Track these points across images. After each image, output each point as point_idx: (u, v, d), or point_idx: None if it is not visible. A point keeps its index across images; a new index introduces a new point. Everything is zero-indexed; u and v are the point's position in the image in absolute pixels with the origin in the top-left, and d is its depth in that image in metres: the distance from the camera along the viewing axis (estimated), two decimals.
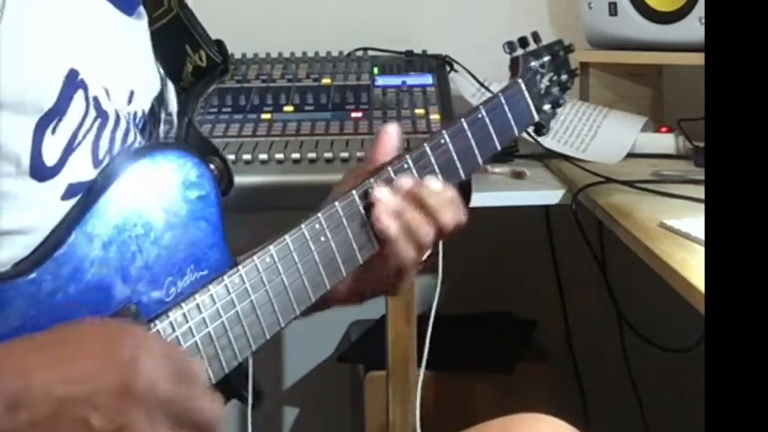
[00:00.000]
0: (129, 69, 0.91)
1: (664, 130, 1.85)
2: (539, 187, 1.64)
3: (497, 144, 1.10)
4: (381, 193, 0.96)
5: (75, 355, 0.69)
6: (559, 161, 1.72)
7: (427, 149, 1.02)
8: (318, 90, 1.68)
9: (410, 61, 1.83)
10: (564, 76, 1.26)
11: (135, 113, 0.91)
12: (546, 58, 1.23)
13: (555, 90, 1.24)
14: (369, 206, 0.96)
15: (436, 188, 0.97)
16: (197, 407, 0.73)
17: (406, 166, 1.00)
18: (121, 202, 0.83)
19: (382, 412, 1.67)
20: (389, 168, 0.98)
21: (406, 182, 0.97)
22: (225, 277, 0.86)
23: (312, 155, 1.46)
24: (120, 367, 0.69)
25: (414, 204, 0.96)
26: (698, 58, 1.68)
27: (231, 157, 1.45)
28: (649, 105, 1.98)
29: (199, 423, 0.73)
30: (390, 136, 1.01)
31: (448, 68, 1.82)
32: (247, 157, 1.46)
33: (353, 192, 0.96)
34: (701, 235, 1.14)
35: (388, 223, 0.95)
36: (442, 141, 1.04)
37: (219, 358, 0.85)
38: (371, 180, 0.97)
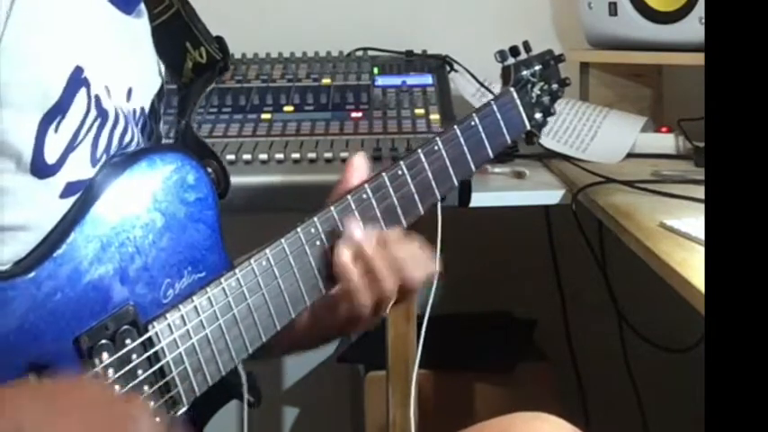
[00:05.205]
0: (127, 67, 0.91)
1: (664, 130, 1.85)
2: (539, 187, 1.64)
3: (490, 151, 1.11)
4: (349, 230, 0.93)
5: (70, 415, 0.71)
6: (559, 161, 1.72)
7: (421, 156, 1.03)
8: (318, 90, 1.68)
9: (410, 61, 1.83)
10: (554, 86, 1.27)
11: (134, 111, 0.92)
12: (537, 68, 1.24)
13: (546, 99, 1.25)
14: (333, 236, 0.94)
15: (404, 240, 0.95)
16: None
17: (399, 172, 1.00)
18: (120, 204, 0.83)
19: (382, 412, 1.67)
20: (366, 186, 0.97)
21: (372, 232, 0.94)
22: (222, 280, 0.86)
23: (312, 155, 1.46)
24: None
25: (380, 252, 0.93)
26: (698, 58, 1.67)
27: (231, 157, 1.45)
28: (649, 105, 1.99)
29: None
30: (357, 169, 0.99)
31: (448, 68, 1.82)
32: (247, 157, 1.45)
33: (315, 219, 0.93)
34: (701, 235, 1.14)
35: (349, 265, 0.92)
36: (436, 148, 1.04)
37: (216, 361, 0.85)
38: (332, 208, 0.94)
